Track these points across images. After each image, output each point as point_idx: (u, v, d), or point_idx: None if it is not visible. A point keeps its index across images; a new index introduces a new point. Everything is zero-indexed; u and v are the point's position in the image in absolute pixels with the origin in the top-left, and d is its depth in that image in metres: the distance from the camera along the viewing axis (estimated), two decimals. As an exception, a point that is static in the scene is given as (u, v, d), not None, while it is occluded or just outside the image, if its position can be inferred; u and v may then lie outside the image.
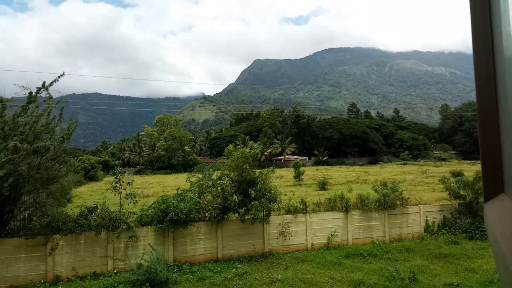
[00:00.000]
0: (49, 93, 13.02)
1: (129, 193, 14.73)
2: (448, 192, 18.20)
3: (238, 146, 66.45)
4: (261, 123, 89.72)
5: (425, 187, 32.08)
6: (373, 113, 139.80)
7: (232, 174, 15.01)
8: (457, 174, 18.79)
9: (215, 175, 16.32)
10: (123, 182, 14.97)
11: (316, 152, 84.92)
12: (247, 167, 14.71)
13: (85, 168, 54.19)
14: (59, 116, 13.64)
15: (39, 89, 12.88)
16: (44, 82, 12.91)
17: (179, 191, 16.37)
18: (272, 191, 15.04)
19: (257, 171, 15.46)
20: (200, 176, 16.45)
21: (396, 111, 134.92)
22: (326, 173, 48.74)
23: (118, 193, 14.61)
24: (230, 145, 17.15)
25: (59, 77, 13.22)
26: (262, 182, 14.88)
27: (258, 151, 16.20)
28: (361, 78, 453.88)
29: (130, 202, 14.57)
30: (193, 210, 13.94)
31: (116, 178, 14.85)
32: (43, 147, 11.85)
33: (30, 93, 12.79)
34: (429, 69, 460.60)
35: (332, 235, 15.72)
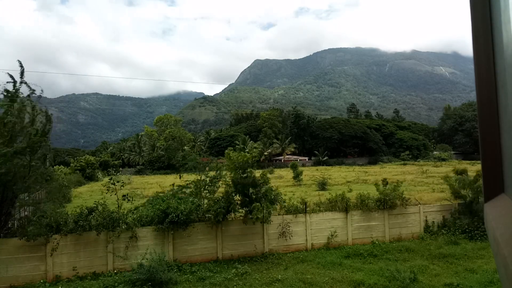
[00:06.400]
0: (33, 89, 12.45)
1: (125, 194, 14.70)
2: (450, 191, 18.19)
3: (238, 147, 66.79)
4: (260, 123, 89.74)
5: (425, 187, 32.08)
6: (373, 113, 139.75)
7: (232, 174, 14.98)
8: (460, 172, 18.73)
9: (211, 173, 16.22)
10: (118, 182, 14.89)
11: (316, 152, 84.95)
12: (249, 169, 14.70)
13: (82, 166, 53.83)
14: (32, 112, 12.86)
15: (13, 84, 12.09)
16: (17, 82, 12.09)
17: (175, 187, 16.26)
18: (274, 192, 14.99)
19: (257, 172, 15.41)
20: (196, 176, 16.33)
21: (396, 111, 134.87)
22: (326, 173, 48.68)
23: (114, 194, 14.56)
24: (229, 148, 17.10)
25: (22, 72, 12.48)
26: (264, 184, 14.85)
27: (256, 153, 16.14)
28: (361, 78, 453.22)
29: (127, 202, 14.56)
30: (193, 212, 13.94)
31: (110, 179, 14.80)
32: (22, 147, 11.59)
33: (6, 90, 12.06)
34: (429, 69, 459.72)
35: (332, 235, 15.71)
